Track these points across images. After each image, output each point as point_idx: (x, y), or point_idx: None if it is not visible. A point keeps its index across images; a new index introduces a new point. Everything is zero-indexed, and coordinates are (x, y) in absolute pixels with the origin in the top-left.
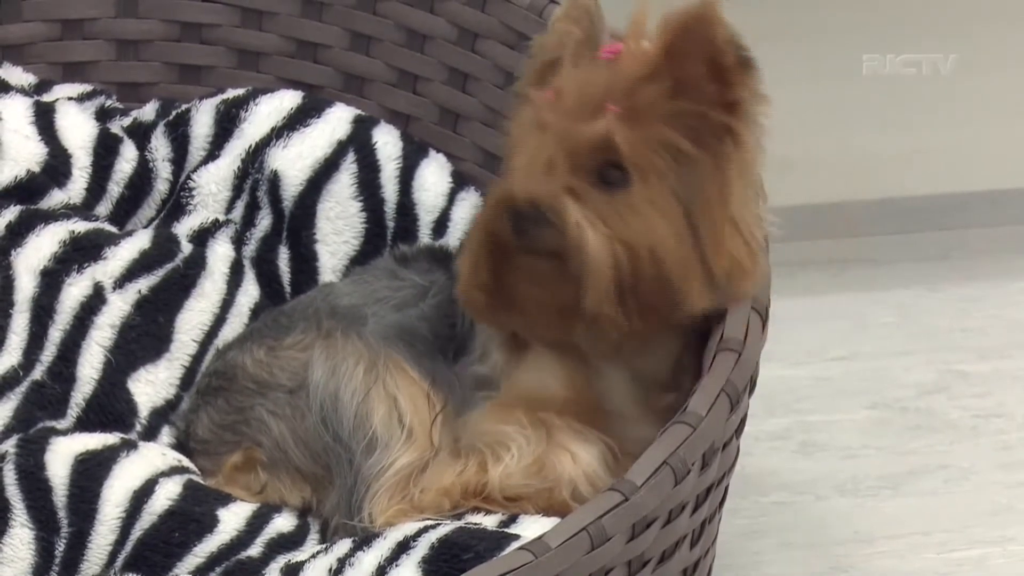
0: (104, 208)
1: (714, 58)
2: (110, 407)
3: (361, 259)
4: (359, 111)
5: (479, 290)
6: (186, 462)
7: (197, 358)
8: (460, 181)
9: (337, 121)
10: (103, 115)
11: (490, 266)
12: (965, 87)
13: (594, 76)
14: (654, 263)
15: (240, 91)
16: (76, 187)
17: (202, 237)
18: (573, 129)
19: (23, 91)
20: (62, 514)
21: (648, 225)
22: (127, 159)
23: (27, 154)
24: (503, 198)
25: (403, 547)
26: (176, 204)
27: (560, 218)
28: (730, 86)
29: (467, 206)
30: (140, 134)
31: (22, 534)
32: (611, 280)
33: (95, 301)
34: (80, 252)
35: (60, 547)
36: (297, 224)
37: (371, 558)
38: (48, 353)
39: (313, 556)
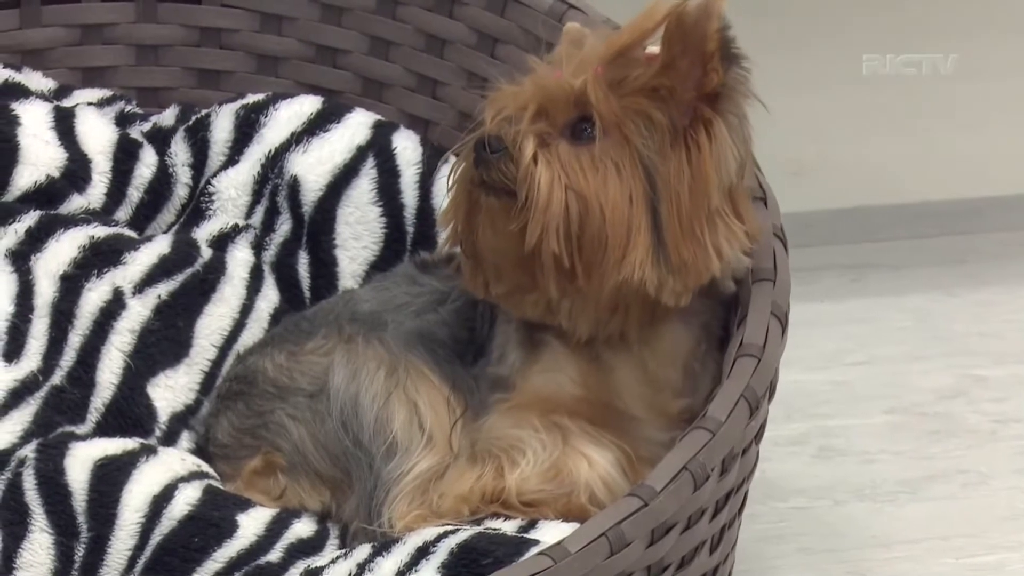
0: (124, 213)
1: (701, 45)
2: (129, 412)
3: (381, 264)
4: (379, 116)
5: (460, 248)
6: (206, 467)
7: (217, 363)
8: None
9: (357, 126)
10: (123, 120)
11: (463, 214)
12: (968, 89)
13: (592, 47)
14: (601, 219)
15: (260, 96)
16: (96, 192)
17: (222, 242)
18: (553, 81)
19: (43, 96)
20: (81, 519)
21: (604, 182)
22: (147, 164)
23: (47, 159)
24: (477, 138)
25: (423, 552)
26: (196, 209)
27: (518, 151)
28: (708, 73)
29: None
30: (160, 139)
31: (42, 539)
32: (556, 221)
33: (115, 306)
34: (100, 257)
35: (79, 552)
36: (317, 229)
37: (391, 563)
38: (68, 358)
39: (333, 561)
